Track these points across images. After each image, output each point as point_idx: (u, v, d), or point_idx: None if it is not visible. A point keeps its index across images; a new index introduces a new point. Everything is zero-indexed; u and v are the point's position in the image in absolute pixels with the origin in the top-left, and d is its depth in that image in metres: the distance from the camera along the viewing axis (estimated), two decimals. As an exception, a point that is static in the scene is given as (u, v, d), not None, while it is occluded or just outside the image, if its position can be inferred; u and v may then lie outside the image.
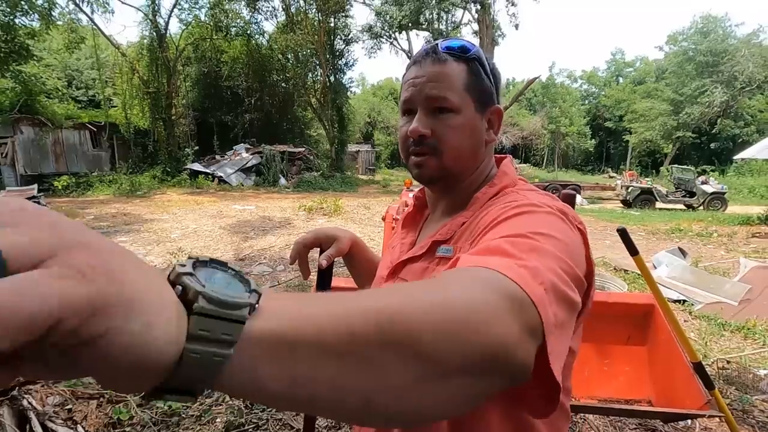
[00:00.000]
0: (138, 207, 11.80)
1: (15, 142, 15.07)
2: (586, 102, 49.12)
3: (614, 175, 29.67)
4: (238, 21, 21.05)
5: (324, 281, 0.88)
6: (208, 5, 19.72)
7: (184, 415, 2.33)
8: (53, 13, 16.07)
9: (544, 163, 41.88)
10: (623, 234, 1.52)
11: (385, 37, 23.87)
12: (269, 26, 44.47)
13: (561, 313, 0.41)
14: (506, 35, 23.77)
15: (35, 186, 12.04)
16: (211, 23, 19.94)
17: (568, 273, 0.46)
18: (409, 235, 0.81)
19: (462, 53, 0.69)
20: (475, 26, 20.53)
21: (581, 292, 0.50)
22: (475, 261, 0.43)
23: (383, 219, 4.61)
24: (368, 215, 10.95)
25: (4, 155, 15.15)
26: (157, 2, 18.27)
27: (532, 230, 0.50)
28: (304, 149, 21.46)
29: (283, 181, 18.52)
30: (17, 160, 15.15)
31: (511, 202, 0.62)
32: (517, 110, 39.69)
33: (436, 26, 22.15)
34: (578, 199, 17.23)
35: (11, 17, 14.78)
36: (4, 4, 14.53)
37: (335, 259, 0.88)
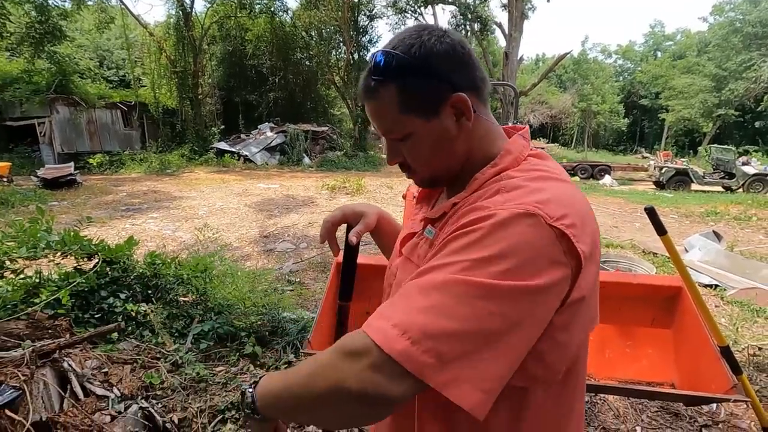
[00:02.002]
0: (167, 185, 12.16)
1: (52, 121, 15.67)
2: (621, 78, 46.83)
3: (648, 155, 28.48)
4: (262, -2, 20.90)
5: (352, 257, 0.90)
6: (232, -18, 19.64)
7: (211, 382, 2.44)
8: (84, -7, 16.36)
9: (573, 143, 40.50)
10: (651, 213, 1.46)
11: (410, 12, 23.27)
12: (293, 3, 44.05)
13: (455, 346, 0.49)
14: (537, 8, 22.78)
15: (72, 164, 12.56)
16: (236, 1, 19.88)
17: (489, 295, 0.50)
18: (422, 210, 0.82)
19: (383, 74, 0.64)
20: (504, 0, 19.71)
21: (546, 292, 0.52)
22: (368, 320, 0.54)
23: (403, 197, 4.59)
24: (390, 195, 10.93)
25: (42, 134, 15.80)
26: (182, -20, 18.31)
27: (461, 258, 0.53)
28: (327, 128, 21.46)
29: (306, 160, 18.64)
30: (54, 139, 15.79)
31: (471, 213, 0.58)
32: (546, 87, 38.28)
33: (463, 0, 21.41)
34: (608, 179, 16.67)
35: (45, -1, 15.16)
36: (37, -15, 14.88)
37: (363, 235, 0.90)
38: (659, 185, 15.36)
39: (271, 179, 13.63)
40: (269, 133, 19.34)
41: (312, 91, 23.83)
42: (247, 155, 17.75)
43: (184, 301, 3.14)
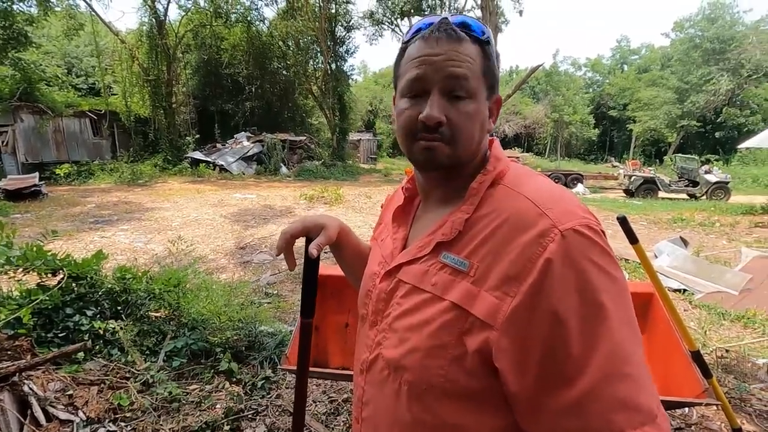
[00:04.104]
0: (139, 195, 11.81)
1: (15, 130, 15.02)
2: (590, 90, 48.53)
3: (617, 164, 29.48)
4: (238, 7, 20.79)
5: (312, 271, 0.85)
6: (208, -9, 19.44)
7: (184, 401, 2.35)
8: (51, -1, 15.87)
9: (546, 152, 41.57)
10: (623, 222, 1.50)
11: (386, 23, 23.58)
12: (269, 12, 43.90)
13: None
14: (510, 22, 23.44)
15: (36, 174, 12.05)
16: (211, 9, 19.68)
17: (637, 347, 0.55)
18: (400, 229, 0.77)
19: (478, 33, 0.64)
20: (479, 12, 20.20)
21: None
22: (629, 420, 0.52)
23: (382, 207, 4.59)
24: (369, 204, 10.92)
25: (5, 143, 15.12)
26: (156, -12, 18.01)
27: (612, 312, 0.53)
28: (305, 138, 21.35)
29: (284, 169, 18.46)
30: (18, 148, 15.12)
31: (526, 231, 0.57)
32: (519, 98, 39.31)
33: (438, 12, 21.82)
34: (580, 188, 17.15)
35: (9, 3, 14.61)
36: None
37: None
38: (629, 193, 15.89)
39: (247, 189, 13.42)
40: (246, 143, 19.08)
41: (289, 100, 23.70)
42: (223, 165, 17.44)
43: (155, 317, 3.03)
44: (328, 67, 21.35)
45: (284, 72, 23.04)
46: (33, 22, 15.44)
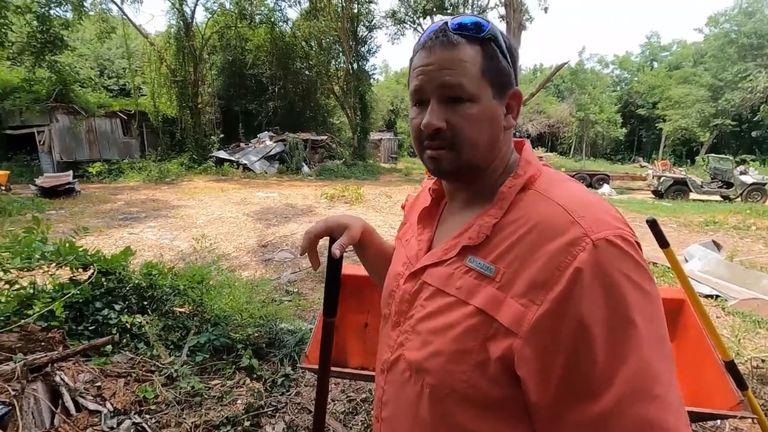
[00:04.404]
0: (166, 193, 12.14)
1: (51, 129, 15.68)
2: (618, 88, 47.22)
3: (646, 164, 28.59)
4: (262, 8, 21.11)
5: (335, 270, 0.86)
6: (233, -8, 19.86)
7: (206, 396, 2.39)
8: (85, 3, 16.50)
9: (571, 152, 40.68)
10: (653, 225, 1.44)
11: (408, 22, 23.50)
12: (293, 13, 44.40)
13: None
14: (534, 19, 23.02)
15: (70, 172, 12.54)
16: (236, 11, 20.06)
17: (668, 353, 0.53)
18: (425, 231, 0.77)
19: (476, 32, 0.63)
20: (502, 10, 19.92)
21: None
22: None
23: (402, 208, 4.58)
24: (389, 204, 10.92)
25: (42, 143, 15.81)
26: (183, -9, 18.51)
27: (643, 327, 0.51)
28: (326, 137, 21.52)
29: (305, 168, 18.65)
30: (54, 147, 15.79)
31: (555, 239, 0.55)
32: (543, 97, 38.56)
33: (461, 11, 21.63)
34: (606, 188, 16.71)
35: (47, 8, 15.27)
36: (39, -4, 15.00)
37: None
38: (658, 194, 15.39)
39: (270, 188, 13.62)
40: (269, 142, 19.38)
41: (311, 100, 23.95)
42: (246, 164, 17.76)
43: (180, 313, 3.10)
44: (350, 66, 21.46)
45: (307, 72, 23.30)
46: (68, 26, 16.09)
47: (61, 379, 2.13)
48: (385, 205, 10.70)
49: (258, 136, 20.23)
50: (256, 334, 3.00)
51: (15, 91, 15.23)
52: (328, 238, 0.85)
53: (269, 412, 2.39)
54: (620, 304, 0.51)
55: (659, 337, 0.52)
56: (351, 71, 21.45)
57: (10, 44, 15.18)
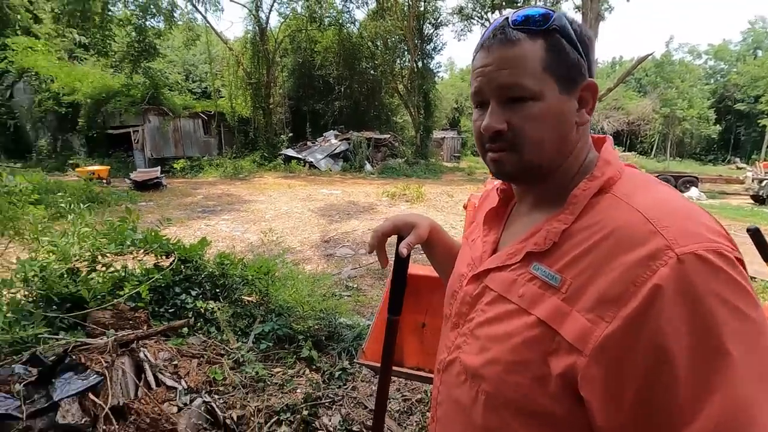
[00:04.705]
0: (239, 188, 12.97)
1: (144, 129, 17.42)
2: (711, 81, 42.49)
3: (744, 165, 25.45)
4: (331, 11, 21.77)
5: (402, 269, 0.86)
6: (304, -3, 20.75)
7: (269, 382, 2.51)
8: (175, 14, 18.12)
9: (653, 152, 37.34)
10: (755, 234, 1.27)
11: (476, 18, 22.96)
12: (360, 14, 45.33)
13: None
14: (614, 8, 21.41)
15: (159, 168, 13.84)
16: (307, 14, 20.89)
17: None
18: (491, 232, 0.74)
19: (539, 25, 0.59)
20: (578, 1, 18.75)
21: None
22: None
23: (464, 207, 4.48)
24: (451, 203, 10.76)
25: (136, 141, 17.62)
26: (259, -2, 19.67)
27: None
28: (389, 136, 21.71)
29: (368, 167, 18.96)
30: (145, 145, 17.52)
31: (630, 251, 0.49)
32: (623, 92, 35.77)
33: (532, 3, 20.68)
34: (694, 192, 15.12)
35: (143, 20, 16.98)
36: (137, 9, 16.74)
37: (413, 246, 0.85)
38: (758, 200, 13.63)
39: (333, 185, 14.03)
40: (334, 141, 19.96)
41: (376, 99, 24.29)
42: (312, 162, 18.45)
43: (247, 301, 3.29)
44: (415, 65, 21.44)
45: (372, 72, 23.67)
46: (160, 36, 17.79)
47: (145, 355, 2.34)
48: (447, 205, 10.56)
49: (324, 134, 20.93)
50: (317, 327, 3.10)
51: (116, 95, 17.12)
52: (396, 236, 0.86)
53: (326, 404, 2.45)
54: (710, 331, 0.44)
55: (761, 372, 0.44)
56: (415, 69, 21.43)
57: (113, 54, 17.09)
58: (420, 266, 2.12)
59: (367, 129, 21.51)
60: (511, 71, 0.59)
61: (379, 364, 1.80)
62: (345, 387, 2.62)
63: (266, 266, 3.38)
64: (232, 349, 2.72)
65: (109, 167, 13.63)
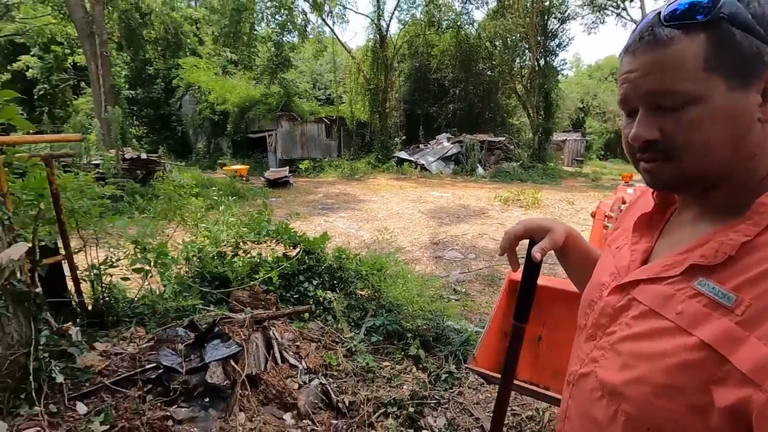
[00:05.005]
0: (354, 188, 13.74)
1: (277, 133, 19.55)
2: None
3: None
4: (450, 14, 21.78)
5: (532, 274, 0.84)
6: (424, 2, 21.09)
7: (377, 375, 2.62)
8: (307, 29, 20.01)
9: None
10: None
11: (610, 8, 20.77)
12: (479, 15, 44.45)
13: None
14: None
15: (287, 168, 15.40)
16: (425, 19, 21.25)
17: None
18: (642, 240, 0.66)
19: (701, 16, 0.50)
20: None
21: None
22: None
23: (592, 215, 4.09)
24: (571, 211, 9.91)
25: (270, 144, 19.88)
26: (381, 7, 20.59)
27: None
28: (504, 138, 20.87)
29: (480, 170, 18.49)
30: (277, 148, 19.66)
31: None
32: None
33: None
34: None
35: (281, 36, 19.09)
36: (277, 27, 18.91)
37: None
38: None
39: (444, 188, 14.00)
40: (446, 143, 19.92)
41: (491, 100, 23.60)
42: (423, 164, 18.67)
43: (361, 295, 3.47)
44: (536, 63, 20.25)
45: (488, 72, 23.06)
46: (294, 49, 19.79)
47: (273, 333, 2.63)
48: (566, 213, 9.75)
49: (436, 137, 21.01)
50: (424, 327, 3.13)
51: (256, 104, 19.57)
52: (528, 240, 0.84)
53: (432, 404, 2.46)
54: None
55: None
56: (536, 68, 20.23)
57: (256, 67, 19.57)
58: (546, 278, 2.00)
59: (480, 131, 21.00)
60: (661, 76, 0.52)
61: (489, 372, 1.75)
62: (451, 390, 2.60)
63: (379, 263, 3.52)
64: (345, 338, 2.90)
65: (248, 167, 15.61)
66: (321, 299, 3.18)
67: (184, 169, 11.98)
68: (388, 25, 21.04)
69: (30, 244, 1.91)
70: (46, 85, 21.20)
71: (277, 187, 13.28)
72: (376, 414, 2.28)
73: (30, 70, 20.82)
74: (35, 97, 21.03)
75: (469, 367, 1.73)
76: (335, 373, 2.58)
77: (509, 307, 2.01)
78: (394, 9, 21.10)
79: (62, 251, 2.61)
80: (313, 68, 30.25)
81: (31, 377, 1.73)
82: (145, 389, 2.02)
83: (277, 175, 14.02)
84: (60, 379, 1.81)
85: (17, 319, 1.84)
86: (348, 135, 21.80)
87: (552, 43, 20.75)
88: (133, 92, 20.81)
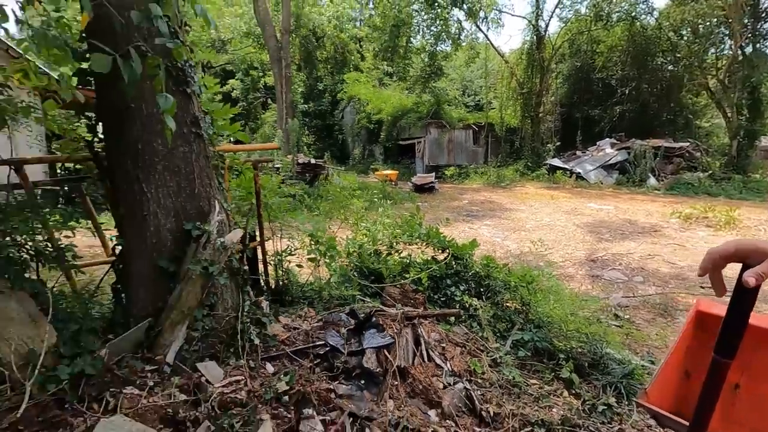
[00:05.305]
0: (500, 196, 13.31)
1: (425, 140, 20.21)
2: None
3: None
4: (623, 5, 19.34)
5: (745, 304, 0.72)
6: (591, -4, 19.24)
7: (524, 391, 2.52)
8: (461, 37, 20.21)
9: None
10: None
11: None
12: (660, 2, 38.43)
13: None
14: None
15: (433, 174, 15.80)
16: (591, 14, 19.30)
17: None
18: None
19: None
20: None
21: None
22: None
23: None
24: (786, 236, 7.79)
25: (418, 151, 20.67)
26: (540, 6, 19.50)
27: None
28: (687, 144, 17.55)
29: (652, 180, 15.93)
30: (425, 154, 20.31)
31: None
32: None
33: None
34: None
35: (435, 46, 19.71)
36: (431, 38, 19.62)
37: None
38: None
39: (604, 200, 12.50)
40: (609, 150, 17.74)
41: (671, 100, 20.07)
42: (579, 172, 16.98)
43: (507, 306, 3.38)
44: (739, 52, 16.49)
45: (670, 67, 19.70)
46: (446, 57, 20.19)
47: (421, 331, 2.76)
48: (777, 237, 7.71)
49: (597, 143, 18.87)
50: (579, 350, 2.88)
51: (408, 112, 20.61)
52: (740, 264, 0.74)
53: (584, 435, 2.25)
54: None
55: None
56: (740, 58, 16.47)
57: (409, 78, 20.63)
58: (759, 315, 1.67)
59: (655, 136, 18.07)
60: None
61: (664, 411, 1.53)
62: (610, 425, 2.33)
63: (530, 275, 3.37)
64: (491, 347, 2.86)
65: (397, 172, 16.52)
66: (467, 305, 3.20)
67: (343, 173, 13.34)
68: (546, 25, 19.81)
69: (243, 231, 2.41)
70: (244, 103, 26.06)
71: (423, 192, 13.72)
72: (523, 431, 2.20)
73: (234, 91, 25.88)
74: (236, 113, 26.09)
75: (640, 402, 1.54)
76: (479, 381, 2.57)
77: (694, 342, 1.73)
78: (555, 7, 19.74)
79: (257, 238, 3.22)
80: (463, 75, 30.35)
81: (238, 336, 2.18)
82: (314, 362, 2.35)
83: (423, 180, 14.50)
84: (257, 341, 2.23)
85: (231, 289, 2.34)
86: (496, 141, 21.23)
87: (765, 26, 16.63)
88: (306, 106, 24.07)
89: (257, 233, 3.18)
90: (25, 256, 1.98)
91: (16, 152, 2.54)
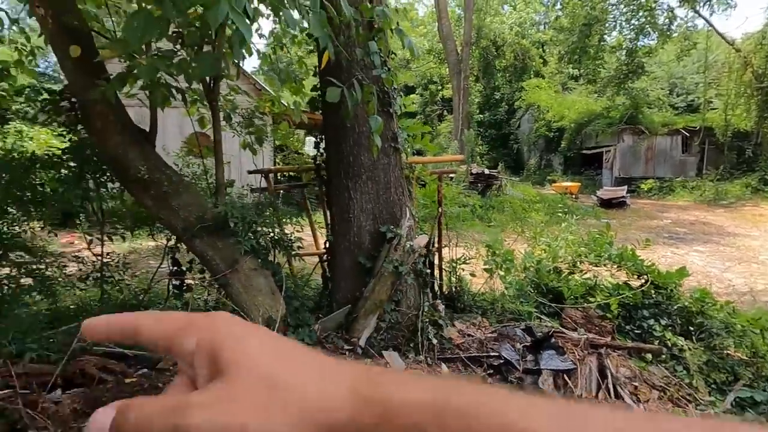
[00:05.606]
0: (720, 217, 10.73)
1: (616, 149, 17.79)
2: None
3: None
4: None
5: None
6: None
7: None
8: (672, 27, 17.14)
9: None
10: None
11: None
12: None
13: None
14: None
15: (625, 187, 13.78)
16: None
17: None
18: None
19: None
20: None
21: None
22: None
23: None
24: None
25: (606, 160, 18.33)
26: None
27: None
28: None
29: None
30: (615, 164, 17.87)
31: None
32: None
33: None
34: None
35: (635, 42, 17.22)
36: (631, 33, 17.19)
37: None
38: None
39: None
40: None
41: None
42: None
43: (728, 354, 2.73)
44: None
45: None
46: (650, 53, 17.38)
47: (608, 363, 2.49)
48: None
49: None
50: None
51: (596, 118, 18.47)
52: None
53: None
54: None
55: None
56: None
57: (600, 80, 18.49)
58: None
59: None
60: None
61: None
62: None
63: (765, 318, 2.66)
64: (702, 399, 2.38)
65: (579, 184, 15.00)
66: (669, 343, 2.73)
67: (517, 183, 12.84)
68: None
69: (428, 236, 2.61)
70: (422, 116, 27.62)
71: (611, 208, 12.10)
72: None
73: (413, 104, 27.68)
74: (428, 131, 27.98)
75: None
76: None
77: None
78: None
79: (435, 245, 3.41)
80: (671, 72, 25.64)
81: (418, 333, 2.37)
82: (488, 371, 2.37)
83: (612, 194, 12.81)
84: (435, 341, 2.38)
85: (414, 289, 2.56)
86: (716, 149, 17.19)
87: None
88: (482, 116, 24.03)
89: (436, 240, 3.37)
90: (269, 243, 2.58)
91: (262, 164, 3.32)
